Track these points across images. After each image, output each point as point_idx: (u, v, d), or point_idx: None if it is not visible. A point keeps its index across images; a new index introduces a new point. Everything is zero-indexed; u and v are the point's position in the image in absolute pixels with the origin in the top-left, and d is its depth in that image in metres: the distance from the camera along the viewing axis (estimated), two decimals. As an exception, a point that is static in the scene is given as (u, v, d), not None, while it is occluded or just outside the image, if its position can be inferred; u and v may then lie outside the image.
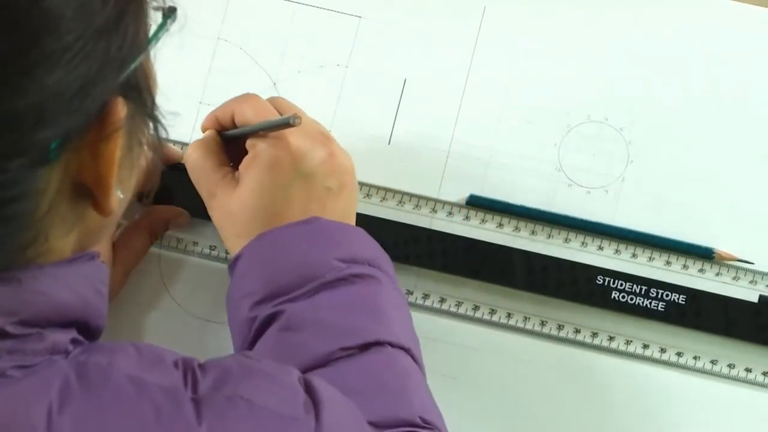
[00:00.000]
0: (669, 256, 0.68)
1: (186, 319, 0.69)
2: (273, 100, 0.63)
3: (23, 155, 0.37)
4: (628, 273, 0.68)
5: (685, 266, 0.68)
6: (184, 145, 0.70)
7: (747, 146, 0.70)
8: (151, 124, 0.46)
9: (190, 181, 0.68)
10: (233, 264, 0.60)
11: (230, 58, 0.72)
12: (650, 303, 0.67)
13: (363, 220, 0.64)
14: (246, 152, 0.61)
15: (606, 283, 0.67)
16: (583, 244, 0.69)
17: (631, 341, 0.68)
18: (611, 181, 0.70)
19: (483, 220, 0.69)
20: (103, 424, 0.39)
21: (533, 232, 0.69)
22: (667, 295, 0.67)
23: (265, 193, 0.59)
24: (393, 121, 0.71)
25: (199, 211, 0.68)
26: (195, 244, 0.70)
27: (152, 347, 0.45)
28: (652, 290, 0.67)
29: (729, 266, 0.68)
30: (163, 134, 0.48)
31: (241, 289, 0.59)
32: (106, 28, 0.38)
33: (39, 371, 0.40)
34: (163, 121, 0.47)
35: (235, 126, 0.62)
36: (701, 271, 0.68)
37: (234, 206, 0.60)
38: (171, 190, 0.67)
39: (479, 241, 0.68)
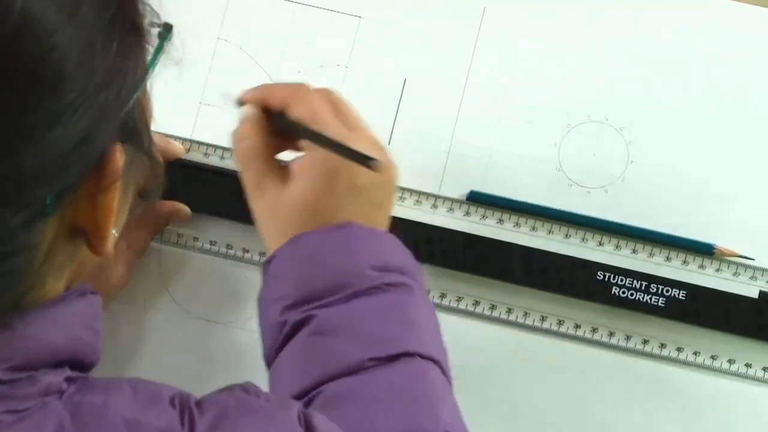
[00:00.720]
0: (669, 252, 0.69)
1: (186, 319, 0.69)
2: (322, 92, 0.61)
3: (19, 212, 0.37)
4: (629, 269, 0.68)
5: (685, 262, 0.68)
6: (184, 140, 0.70)
7: (747, 145, 0.70)
8: (146, 162, 0.46)
9: (190, 176, 0.69)
10: (267, 263, 0.59)
11: (230, 58, 0.72)
12: (650, 298, 0.67)
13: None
14: (290, 138, 0.60)
15: (606, 279, 0.67)
16: (583, 239, 0.69)
17: (631, 337, 0.68)
18: (611, 180, 0.70)
19: (483, 216, 0.69)
20: None
21: (534, 228, 0.69)
22: (667, 291, 0.67)
23: (319, 201, 0.58)
24: (393, 121, 0.71)
25: (199, 205, 0.69)
26: (195, 239, 0.70)
27: (148, 384, 0.44)
28: (652, 286, 0.67)
29: (729, 262, 0.68)
30: (158, 170, 0.48)
31: (274, 292, 0.58)
32: (107, 80, 0.38)
33: (32, 415, 0.40)
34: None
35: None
36: (701, 267, 0.68)
37: (282, 204, 0.59)
38: (172, 185, 0.66)
39: (480, 236, 0.68)
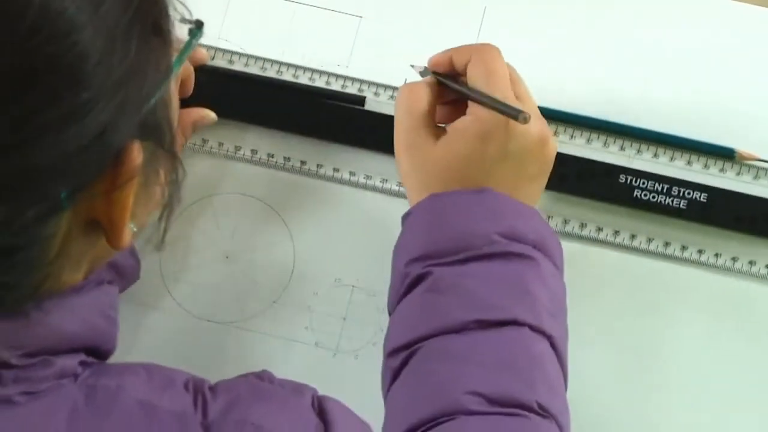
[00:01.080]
0: (690, 156, 0.69)
1: (186, 319, 0.69)
2: (511, 71, 0.61)
3: (34, 206, 0.37)
4: (651, 172, 0.68)
5: (706, 166, 0.69)
6: (209, 47, 0.71)
7: (747, 145, 0.70)
8: (170, 159, 0.45)
9: (216, 81, 0.69)
10: (404, 217, 0.60)
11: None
12: (672, 201, 0.68)
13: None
14: (454, 103, 0.61)
15: (628, 182, 0.68)
16: (605, 144, 0.70)
17: (653, 239, 0.69)
18: None
19: (507, 121, 0.70)
20: None
21: (556, 133, 0.70)
22: (688, 193, 0.68)
23: (471, 161, 0.58)
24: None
25: (225, 111, 0.69)
26: (221, 144, 0.71)
27: (162, 369, 0.44)
28: (674, 188, 0.68)
29: (750, 166, 0.69)
30: (180, 170, 0.47)
31: (404, 245, 0.59)
32: (126, 79, 0.38)
33: (46, 395, 0.40)
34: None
35: (459, 72, 0.61)
36: (722, 170, 0.69)
37: (435, 161, 0.59)
38: (196, 91, 0.67)
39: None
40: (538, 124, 0.59)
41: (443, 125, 0.62)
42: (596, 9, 0.72)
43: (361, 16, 0.73)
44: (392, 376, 0.57)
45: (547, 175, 0.62)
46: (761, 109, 0.70)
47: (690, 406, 0.67)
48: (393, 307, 0.59)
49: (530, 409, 0.53)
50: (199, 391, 0.43)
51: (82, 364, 0.43)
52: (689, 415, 0.67)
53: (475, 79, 0.59)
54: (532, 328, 0.55)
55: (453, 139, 0.59)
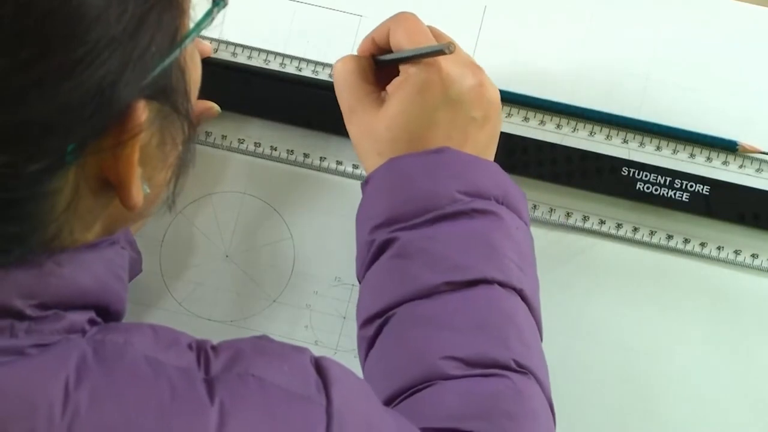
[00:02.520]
0: (693, 149, 0.69)
1: (186, 318, 0.69)
2: (432, 29, 0.63)
3: (39, 161, 0.37)
4: (653, 164, 0.68)
5: (708, 158, 0.69)
6: (212, 40, 0.71)
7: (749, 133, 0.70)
8: (183, 122, 0.46)
9: (218, 74, 0.70)
10: (364, 185, 0.61)
11: (230, 57, 0.72)
12: (674, 194, 0.68)
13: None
14: (395, 77, 0.61)
15: (631, 175, 0.68)
16: (608, 137, 0.70)
17: (656, 232, 0.69)
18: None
19: (509, 114, 0.70)
20: (120, 401, 0.39)
21: (558, 126, 0.70)
22: (691, 186, 0.68)
23: (412, 115, 0.59)
24: None
25: (228, 104, 0.69)
26: (224, 137, 0.71)
27: (169, 329, 0.45)
28: (676, 181, 0.68)
29: (752, 158, 0.69)
30: (194, 134, 0.48)
31: (366, 212, 0.60)
32: (123, 38, 0.38)
33: (56, 348, 0.40)
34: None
35: (389, 50, 0.62)
36: (725, 163, 0.69)
37: (378, 124, 0.60)
38: (201, 84, 0.67)
39: (504, 133, 0.69)
40: (471, 68, 0.60)
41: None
42: (596, 9, 0.72)
43: (361, 16, 0.73)
44: (367, 346, 0.58)
45: (494, 119, 0.62)
46: (763, 102, 0.70)
47: (692, 399, 0.67)
48: (361, 275, 0.60)
49: (507, 368, 0.53)
50: (202, 349, 0.44)
51: (91, 322, 0.44)
52: (690, 407, 0.67)
53: (398, 42, 0.60)
54: (502, 285, 0.56)
55: (392, 100, 0.59)
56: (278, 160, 0.71)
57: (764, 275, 0.68)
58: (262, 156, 0.71)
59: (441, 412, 0.52)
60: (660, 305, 0.68)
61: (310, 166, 0.70)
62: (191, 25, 0.44)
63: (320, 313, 0.69)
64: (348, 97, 0.62)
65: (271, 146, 0.71)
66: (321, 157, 0.70)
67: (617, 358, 0.67)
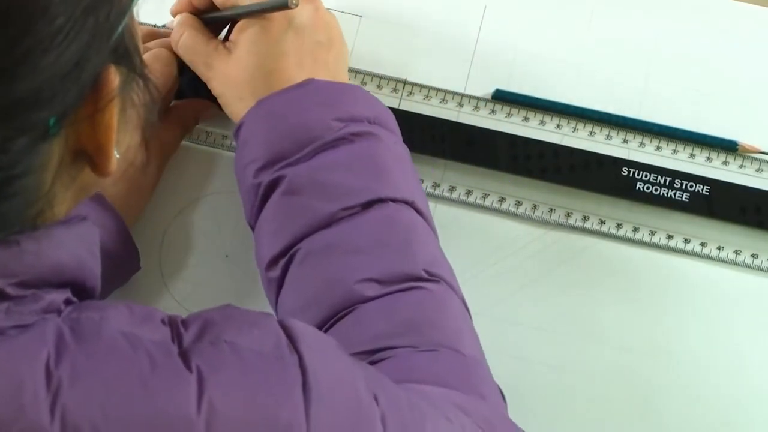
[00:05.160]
0: (693, 149, 0.69)
1: None
2: None
3: (23, 136, 0.38)
4: (653, 165, 0.68)
5: (708, 158, 0.69)
6: (214, 40, 0.71)
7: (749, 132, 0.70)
8: (141, 83, 0.46)
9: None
10: (236, 133, 0.61)
11: None
12: (675, 194, 0.68)
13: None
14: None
15: (631, 175, 0.68)
16: (608, 137, 0.70)
17: (656, 232, 0.69)
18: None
19: (509, 114, 0.70)
20: (101, 375, 0.40)
21: (558, 126, 0.70)
22: (691, 186, 0.68)
23: (260, 51, 0.61)
24: None
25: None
26: (224, 137, 0.71)
27: (143, 306, 0.45)
28: (676, 181, 0.68)
29: (752, 158, 0.69)
30: (153, 92, 0.48)
31: (245, 157, 0.60)
32: (94, 5, 0.39)
33: (34, 328, 0.41)
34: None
35: (213, 8, 0.64)
36: (725, 163, 0.69)
37: (232, 70, 0.62)
38: (197, 85, 0.67)
39: (505, 134, 0.69)
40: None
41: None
42: (596, 8, 0.72)
43: (361, 16, 0.73)
44: (277, 288, 0.58)
45: (338, 41, 0.64)
46: (763, 102, 0.70)
47: (692, 399, 0.67)
48: (253, 221, 0.61)
49: (420, 278, 0.55)
50: (174, 324, 0.44)
51: (67, 302, 0.44)
52: (690, 407, 0.66)
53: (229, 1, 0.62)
54: (395, 201, 0.57)
55: (239, 44, 0.62)
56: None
57: (765, 275, 0.68)
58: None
59: (368, 334, 0.54)
60: (660, 305, 0.68)
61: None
62: None
63: None
64: (201, 58, 0.63)
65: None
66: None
67: (617, 357, 0.67)
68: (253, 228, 0.61)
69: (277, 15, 0.60)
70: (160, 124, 0.68)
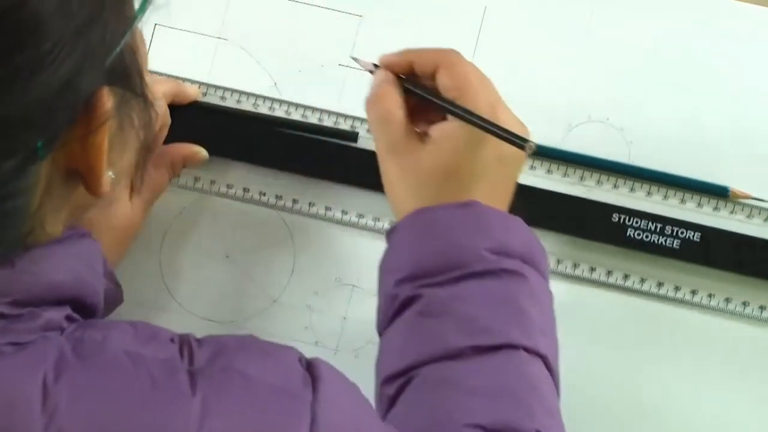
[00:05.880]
0: (684, 195, 0.69)
1: (186, 318, 0.69)
2: (478, 70, 0.60)
3: (11, 157, 0.38)
4: (644, 211, 0.68)
5: (699, 204, 0.69)
6: (201, 83, 0.70)
7: (748, 144, 0.70)
8: (141, 103, 0.46)
9: (207, 118, 0.69)
10: (390, 233, 0.59)
11: (231, 57, 0.72)
12: (665, 240, 0.67)
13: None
14: (425, 108, 0.60)
15: (621, 221, 0.68)
16: (598, 182, 0.69)
17: (646, 279, 0.68)
18: (612, 179, 0.70)
19: (499, 159, 0.69)
20: (100, 393, 0.40)
21: (549, 171, 0.69)
22: (682, 233, 0.67)
23: (459, 164, 0.57)
24: None
25: (216, 148, 0.69)
26: (212, 182, 0.70)
27: (148, 324, 0.45)
28: (667, 228, 0.68)
29: (743, 204, 0.68)
30: (152, 114, 0.48)
31: (391, 262, 0.59)
32: (85, 25, 0.38)
33: (33, 346, 0.41)
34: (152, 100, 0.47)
35: (419, 76, 0.60)
36: (716, 209, 0.69)
37: (418, 165, 0.58)
38: (188, 128, 0.67)
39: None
40: (520, 129, 0.58)
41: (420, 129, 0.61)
42: (597, 8, 0.71)
43: (361, 16, 0.72)
44: (388, 405, 0.57)
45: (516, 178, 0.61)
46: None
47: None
48: (383, 328, 0.59)
49: None
50: (185, 342, 0.44)
51: (68, 319, 0.44)
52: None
53: (447, 89, 0.58)
54: (527, 350, 0.55)
55: (443, 144, 0.58)
56: (266, 205, 0.70)
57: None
58: (250, 201, 0.70)
59: None
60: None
61: (299, 212, 0.70)
62: (137, 3, 0.44)
63: (320, 313, 0.69)
64: (389, 135, 0.59)
65: (260, 192, 0.70)
66: (310, 203, 0.70)
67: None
68: (380, 335, 0.59)
69: (493, 139, 0.56)
70: (149, 166, 0.68)
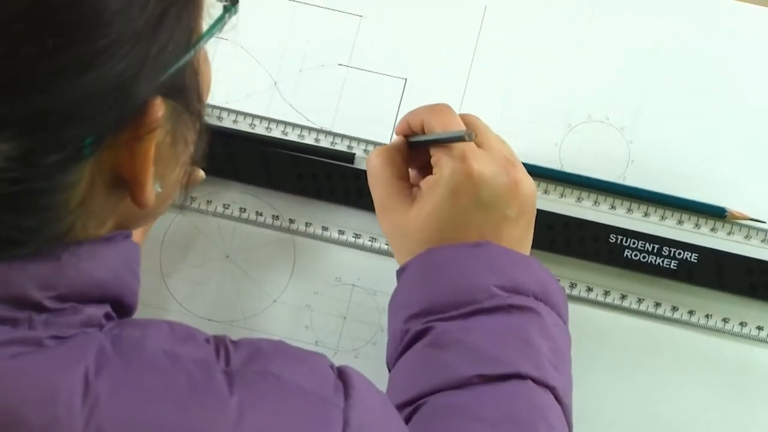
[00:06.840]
0: (681, 216, 0.69)
1: (186, 318, 0.69)
2: (465, 117, 0.62)
3: (57, 152, 0.38)
4: (641, 231, 0.68)
5: (697, 225, 0.69)
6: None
7: (748, 144, 0.70)
8: (195, 122, 0.47)
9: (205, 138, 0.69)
10: (400, 272, 0.60)
11: (231, 57, 0.72)
12: (662, 261, 0.67)
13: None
14: (426, 159, 0.61)
15: (619, 242, 0.68)
16: (595, 203, 0.69)
17: (644, 299, 0.68)
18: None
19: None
20: (139, 390, 0.40)
21: (546, 191, 0.69)
22: (679, 254, 0.67)
23: (443, 219, 0.59)
24: (394, 121, 0.71)
25: (213, 169, 0.69)
26: (209, 202, 0.70)
27: (185, 325, 0.46)
28: (664, 248, 0.67)
29: (741, 225, 0.69)
30: (204, 134, 0.48)
31: (401, 299, 0.60)
32: (144, 33, 0.39)
33: (74, 340, 0.41)
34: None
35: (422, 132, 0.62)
36: (713, 230, 0.69)
37: (409, 224, 0.60)
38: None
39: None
40: (504, 165, 0.59)
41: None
42: (597, 9, 0.72)
43: (361, 16, 0.73)
44: None
45: (531, 214, 0.61)
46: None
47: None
48: (393, 362, 0.59)
49: None
50: (220, 342, 0.45)
51: (107, 316, 0.44)
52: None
53: (431, 130, 0.60)
54: (536, 381, 0.55)
55: (424, 200, 0.59)
56: (264, 225, 0.70)
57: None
58: (247, 221, 0.70)
59: None
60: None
61: (295, 232, 0.70)
62: (206, 26, 0.46)
63: (320, 313, 0.69)
64: (381, 192, 0.62)
65: (256, 212, 0.70)
66: (307, 223, 0.70)
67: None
68: (390, 368, 0.60)
69: (468, 185, 0.58)
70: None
